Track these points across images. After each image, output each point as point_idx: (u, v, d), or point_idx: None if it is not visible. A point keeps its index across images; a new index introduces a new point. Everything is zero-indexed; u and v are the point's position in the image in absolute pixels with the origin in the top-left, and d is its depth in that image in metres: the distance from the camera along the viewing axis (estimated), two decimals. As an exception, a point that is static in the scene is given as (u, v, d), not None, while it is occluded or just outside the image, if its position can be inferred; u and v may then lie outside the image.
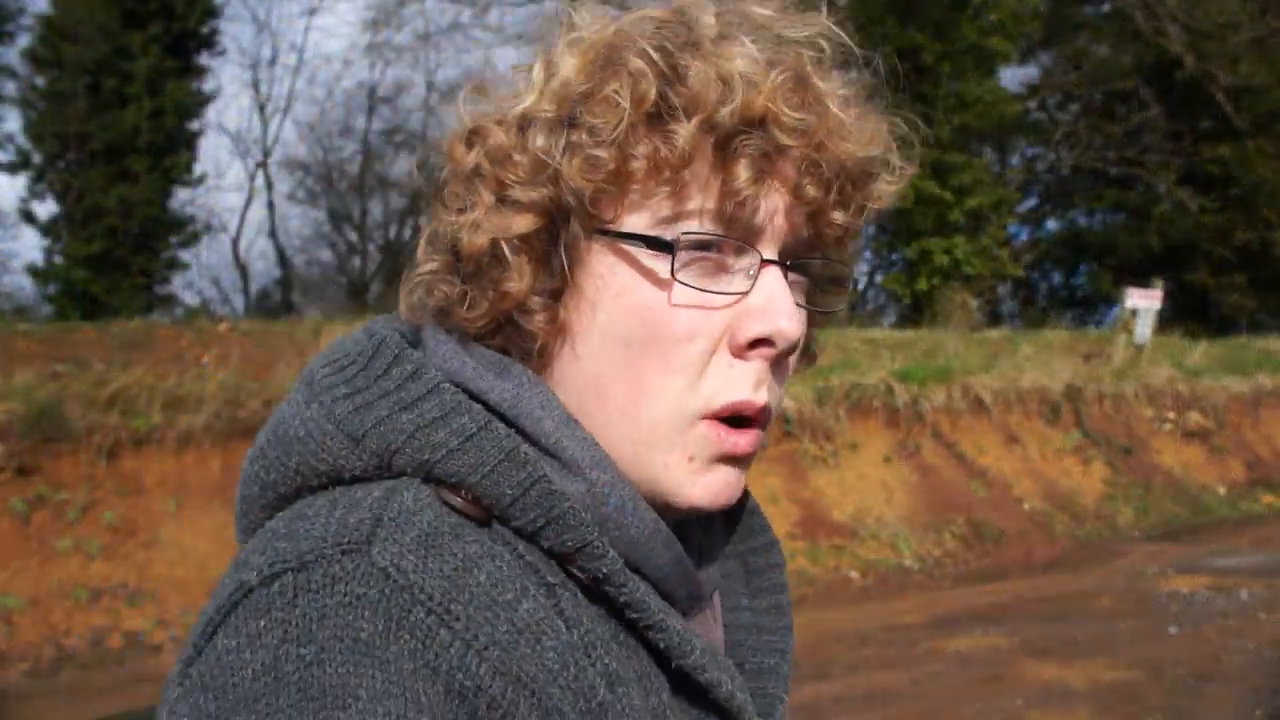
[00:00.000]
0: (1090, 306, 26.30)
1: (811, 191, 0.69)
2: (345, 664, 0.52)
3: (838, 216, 0.71)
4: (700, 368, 0.68)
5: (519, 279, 0.68)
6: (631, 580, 0.65)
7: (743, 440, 0.69)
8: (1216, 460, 11.15)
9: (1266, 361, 13.42)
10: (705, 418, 0.68)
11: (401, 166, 23.43)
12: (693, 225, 0.67)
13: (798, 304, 0.71)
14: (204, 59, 16.93)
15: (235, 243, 22.00)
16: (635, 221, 0.68)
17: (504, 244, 0.68)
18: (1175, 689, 5.00)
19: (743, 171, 0.65)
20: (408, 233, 22.94)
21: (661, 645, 0.67)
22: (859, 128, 0.71)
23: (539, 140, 0.68)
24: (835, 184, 0.70)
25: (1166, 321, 13.86)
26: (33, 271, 15.62)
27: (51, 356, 7.17)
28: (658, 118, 0.66)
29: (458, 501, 0.61)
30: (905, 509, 8.51)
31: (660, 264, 0.67)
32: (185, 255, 17.20)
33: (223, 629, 0.56)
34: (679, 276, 0.66)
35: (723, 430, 0.69)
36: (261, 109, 23.06)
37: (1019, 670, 5.32)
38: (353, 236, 23.32)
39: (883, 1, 16.63)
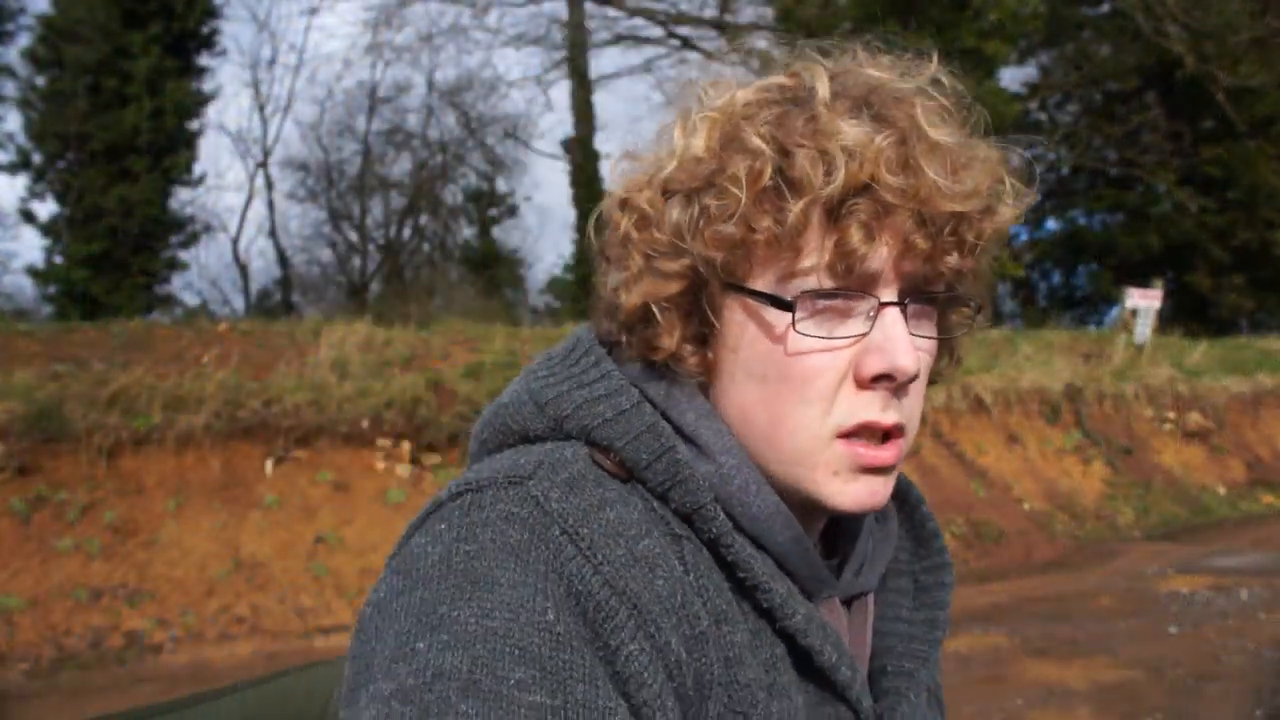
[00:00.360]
0: (1090, 306, 26.32)
1: (921, 243, 0.75)
2: (495, 559, 0.68)
3: (951, 260, 0.78)
4: (830, 397, 0.77)
5: (669, 335, 0.81)
6: (739, 542, 0.77)
7: (884, 453, 0.79)
8: (1216, 460, 11.15)
9: (1266, 361, 13.42)
10: (840, 436, 0.78)
11: (402, 167, 23.42)
12: (810, 282, 0.76)
13: (918, 335, 0.79)
14: (204, 59, 16.94)
15: (235, 243, 22.00)
16: (763, 278, 0.78)
17: (654, 306, 0.80)
18: (1175, 689, 5.00)
19: (854, 234, 0.74)
20: (407, 233, 22.96)
21: (765, 604, 0.78)
22: (964, 179, 0.76)
23: (674, 215, 0.79)
24: (945, 231, 0.76)
25: (1166, 321, 13.86)
26: (33, 272, 15.63)
27: (51, 356, 7.17)
28: (774, 191, 0.75)
29: (605, 462, 0.76)
30: (905, 509, 8.51)
31: (783, 318, 0.77)
32: (185, 255, 17.20)
33: (419, 531, 0.73)
34: (799, 328, 0.76)
35: (860, 447, 0.78)
36: (261, 109, 23.06)
37: (1019, 670, 5.32)
38: (353, 236, 23.32)
39: (883, 2, 16.64)
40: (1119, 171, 24.21)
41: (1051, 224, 26.83)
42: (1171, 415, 11.28)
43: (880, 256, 0.75)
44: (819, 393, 0.77)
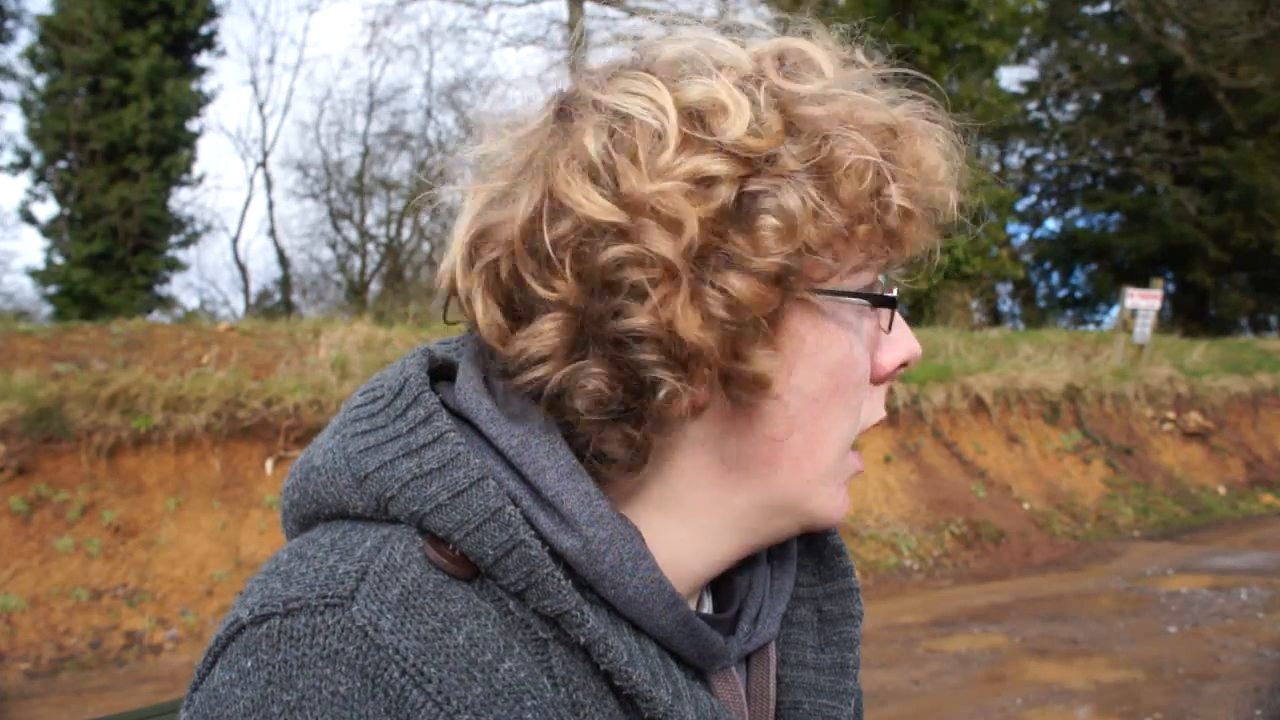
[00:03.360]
0: (1089, 306, 26.34)
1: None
2: (325, 713, 0.56)
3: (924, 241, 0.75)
4: (860, 403, 0.73)
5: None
6: (614, 649, 0.64)
7: (858, 459, 0.75)
8: (1216, 460, 11.15)
9: (1266, 361, 13.42)
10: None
11: (401, 167, 23.44)
12: (869, 278, 0.71)
13: None
14: (204, 59, 16.96)
15: (235, 243, 22.01)
16: (831, 279, 0.70)
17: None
18: (1175, 689, 5.00)
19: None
20: (407, 232, 22.96)
21: (646, 715, 0.65)
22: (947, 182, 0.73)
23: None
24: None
25: (1166, 322, 13.88)
26: (33, 272, 15.65)
27: (51, 356, 7.17)
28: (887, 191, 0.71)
29: (443, 559, 0.63)
30: (905, 509, 8.51)
31: (868, 320, 0.72)
32: (185, 255, 17.25)
33: (220, 661, 0.60)
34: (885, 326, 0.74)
35: (852, 455, 0.74)
36: (261, 108, 23.07)
37: (1019, 670, 5.32)
38: (353, 236, 23.34)
39: (881, 3, 16.65)
40: (1118, 172, 24.23)
41: (1051, 224, 26.89)
42: (1171, 415, 11.29)
43: None
44: (859, 398, 0.73)
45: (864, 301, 0.70)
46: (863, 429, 0.74)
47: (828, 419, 0.70)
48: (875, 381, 0.74)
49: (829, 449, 0.71)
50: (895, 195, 0.68)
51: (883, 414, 0.76)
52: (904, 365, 0.74)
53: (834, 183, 0.65)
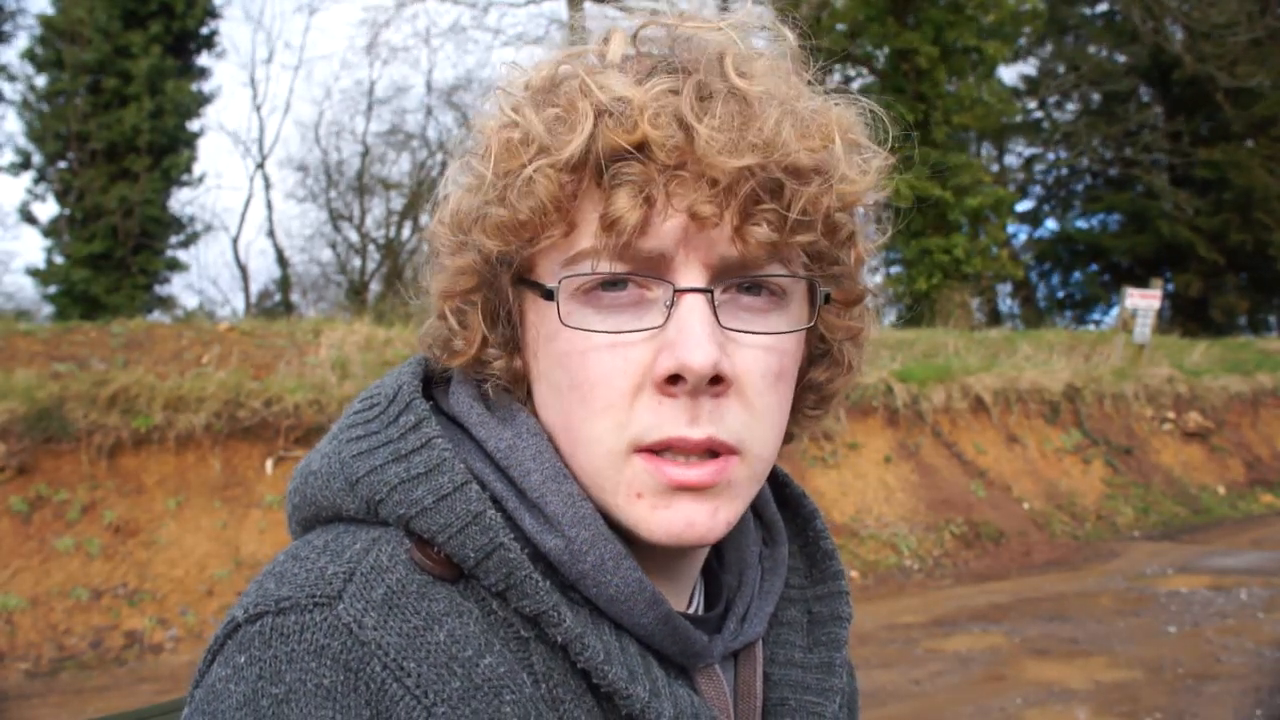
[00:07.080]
0: (1089, 306, 26.35)
1: (706, 210, 0.63)
2: (309, 705, 0.58)
3: (758, 233, 0.64)
4: (625, 406, 0.66)
5: (467, 339, 0.72)
6: (590, 648, 0.65)
7: (693, 472, 0.65)
8: (1216, 460, 11.15)
9: (1266, 361, 13.43)
10: (639, 451, 0.66)
11: (401, 167, 23.45)
12: (585, 266, 0.65)
13: (737, 330, 0.66)
14: (204, 59, 16.97)
15: (235, 243, 22.00)
16: (545, 269, 0.68)
17: (448, 307, 0.73)
18: (1175, 689, 5.00)
19: (620, 200, 0.63)
20: (407, 232, 22.96)
21: (624, 712, 0.67)
22: (760, 130, 0.63)
23: (452, 206, 0.72)
24: (738, 198, 0.63)
25: (1165, 322, 13.88)
26: (33, 272, 15.64)
27: (51, 356, 7.17)
28: (528, 165, 0.66)
29: (428, 561, 0.65)
30: (905, 509, 8.51)
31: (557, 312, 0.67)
32: (185, 255, 17.26)
33: (218, 658, 0.63)
34: (566, 320, 0.66)
35: (661, 463, 0.65)
36: (259, 109, 23.05)
37: (1019, 670, 5.32)
38: (353, 236, 23.33)
39: (881, 3, 16.65)
40: (1117, 172, 24.25)
41: (1051, 224, 26.90)
42: (1171, 415, 11.28)
43: (669, 231, 0.64)
44: (610, 401, 0.65)
45: (537, 292, 0.68)
46: (645, 442, 0.65)
47: (576, 415, 0.67)
48: (658, 389, 0.65)
49: (587, 449, 0.67)
50: (533, 170, 0.65)
51: (671, 432, 0.65)
52: (676, 377, 0.64)
53: (486, 176, 0.68)
